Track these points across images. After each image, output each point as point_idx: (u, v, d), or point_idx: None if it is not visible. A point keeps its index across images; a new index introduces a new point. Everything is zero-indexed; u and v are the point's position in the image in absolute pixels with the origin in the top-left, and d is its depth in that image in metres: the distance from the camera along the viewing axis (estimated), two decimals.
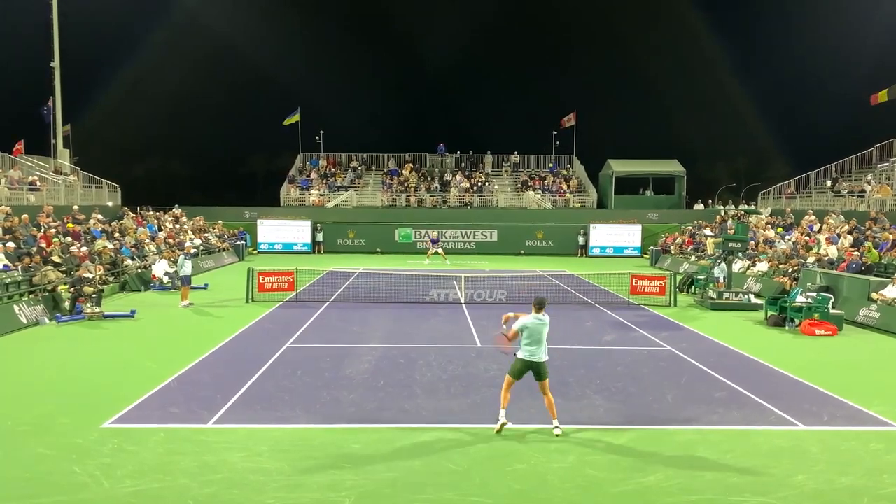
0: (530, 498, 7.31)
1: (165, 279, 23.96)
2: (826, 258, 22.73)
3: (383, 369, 12.67)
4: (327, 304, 20.57)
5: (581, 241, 41.16)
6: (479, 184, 47.92)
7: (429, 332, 16.62)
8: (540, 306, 9.20)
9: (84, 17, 44.78)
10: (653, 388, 11.62)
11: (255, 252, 40.55)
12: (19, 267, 18.82)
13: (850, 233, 24.87)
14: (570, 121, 49.92)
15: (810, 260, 23.16)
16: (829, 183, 34.99)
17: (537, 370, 9.11)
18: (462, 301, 21.26)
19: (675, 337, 16.31)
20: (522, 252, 41.03)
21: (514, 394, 11.04)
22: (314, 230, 41.30)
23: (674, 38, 72.92)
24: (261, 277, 21.55)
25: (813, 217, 29.66)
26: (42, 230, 22.95)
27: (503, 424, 9.14)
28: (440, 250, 36.02)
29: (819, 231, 27.31)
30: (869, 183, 31.31)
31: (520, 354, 9.17)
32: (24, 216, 22.84)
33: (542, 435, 9.15)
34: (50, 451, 8.39)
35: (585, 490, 7.50)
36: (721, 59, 70.20)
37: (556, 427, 9.11)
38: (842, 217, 28.03)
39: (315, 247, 41.19)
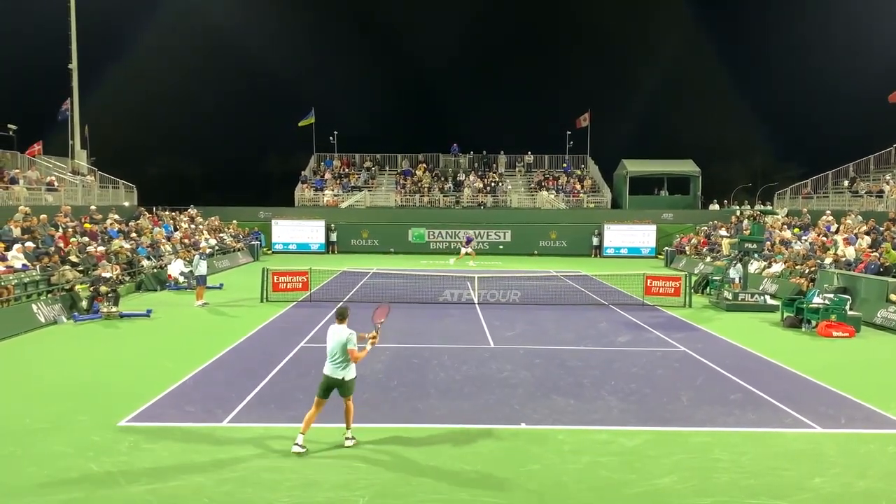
0: (544, 499, 7.29)
1: (181, 279, 24.15)
2: (843, 259, 22.49)
3: (397, 369, 12.69)
4: (341, 303, 20.63)
5: (595, 241, 41.02)
6: (493, 184, 47.85)
7: (442, 332, 16.62)
8: (341, 317, 8.53)
9: (101, 17, 45.32)
10: (667, 390, 11.56)
11: (269, 252, 40.82)
12: (37, 266, 19.06)
13: (867, 233, 24.56)
14: (584, 120, 49.72)
15: (827, 261, 22.91)
16: (846, 183, 34.58)
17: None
18: (475, 301, 21.26)
19: (690, 338, 16.20)
20: (536, 252, 40.95)
21: (529, 395, 11.12)
22: (328, 230, 41.50)
23: (688, 38, 72.49)
24: (275, 277, 21.69)
25: (830, 217, 29.34)
26: (60, 230, 23.23)
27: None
28: (471, 250, 35.00)
29: (836, 232, 27.00)
30: (887, 183, 30.90)
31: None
32: (43, 216, 23.14)
33: (556, 436, 9.13)
34: (67, 448, 8.49)
35: (600, 491, 7.48)
36: (737, 58, 69.83)
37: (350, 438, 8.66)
38: (860, 217, 27.69)
39: (329, 247, 41.39)
